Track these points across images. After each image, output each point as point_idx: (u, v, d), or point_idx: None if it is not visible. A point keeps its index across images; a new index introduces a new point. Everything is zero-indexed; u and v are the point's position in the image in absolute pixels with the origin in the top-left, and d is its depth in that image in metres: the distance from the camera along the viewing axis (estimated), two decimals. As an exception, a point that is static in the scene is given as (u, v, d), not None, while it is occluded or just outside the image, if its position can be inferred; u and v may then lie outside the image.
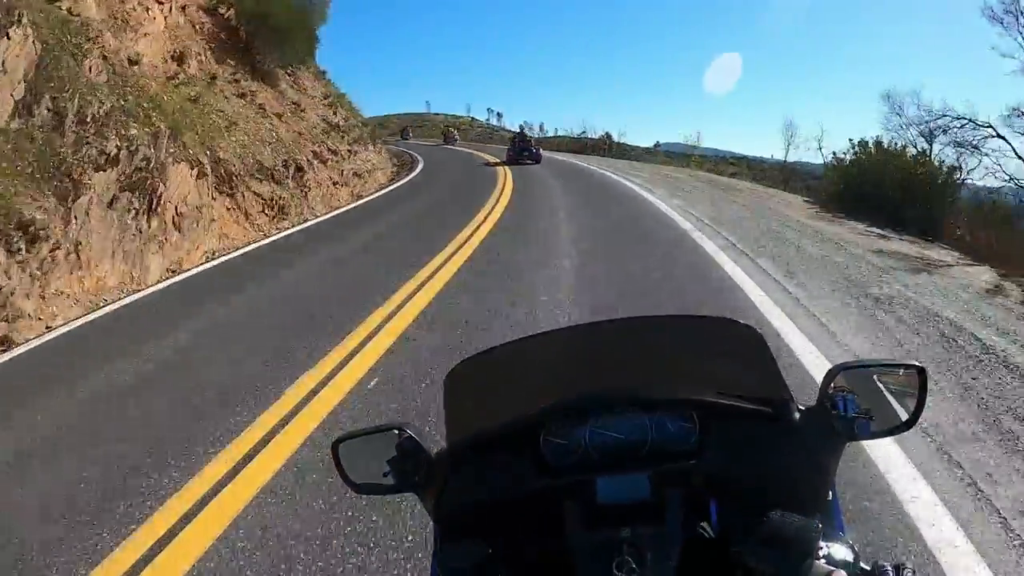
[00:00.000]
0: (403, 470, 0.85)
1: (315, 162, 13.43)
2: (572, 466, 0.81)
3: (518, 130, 23.87)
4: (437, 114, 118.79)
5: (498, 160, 21.23)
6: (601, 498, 0.78)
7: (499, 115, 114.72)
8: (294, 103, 14.98)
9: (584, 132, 51.97)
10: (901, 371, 0.85)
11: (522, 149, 20.55)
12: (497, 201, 11.36)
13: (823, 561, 0.65)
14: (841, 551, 0.68)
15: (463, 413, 0.92)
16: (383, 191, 15.42)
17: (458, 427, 0.90)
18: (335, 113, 17.33)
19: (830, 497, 0.82)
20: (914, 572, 0.64)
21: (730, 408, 0.81)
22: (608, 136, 46.24)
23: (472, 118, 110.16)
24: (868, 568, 0.66)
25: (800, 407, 0.83)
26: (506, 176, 15.98)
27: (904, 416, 0.81)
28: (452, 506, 0.83)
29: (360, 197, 14.51)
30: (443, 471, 0.84)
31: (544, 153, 22.29)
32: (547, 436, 0.82)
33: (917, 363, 0.82)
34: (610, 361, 0.94)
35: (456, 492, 0.83)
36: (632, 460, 0.80)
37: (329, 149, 14.69)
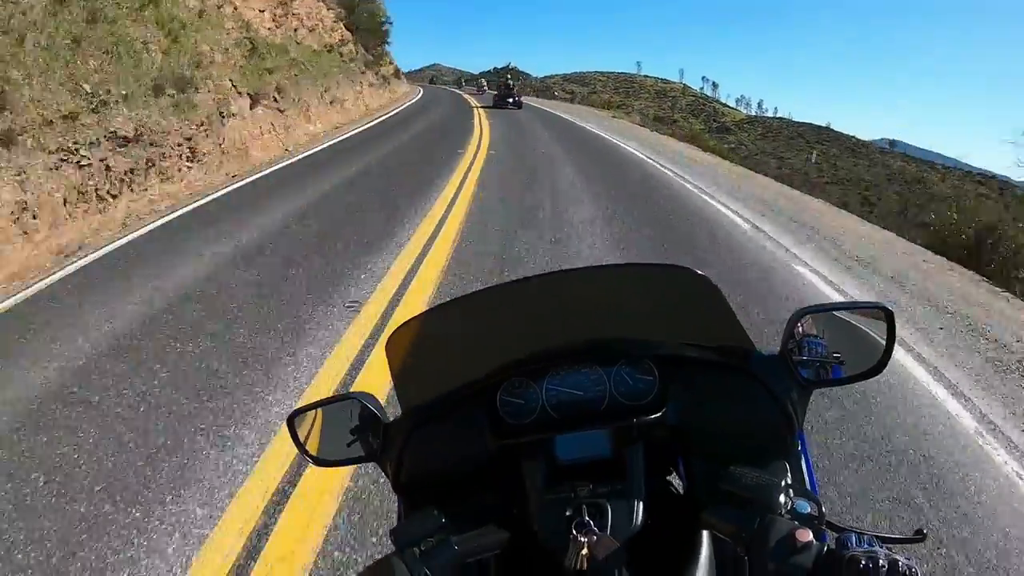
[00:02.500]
0: (357, 440, 0.86)
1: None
2: (530, 426, 0.81)
3: (505, 79, 27.51)
4: (647, 77, 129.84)
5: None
6: (561, 457, 0.78)
7: (714, 85, 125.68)
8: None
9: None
10: (865, 312, 0.84)
11: (505, 96, 24.59)
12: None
13: (788, 516, 0.63)
14: (806, 506, 0.67)
15: (412, 378, 0.90)
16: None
17: (409, 393, 0.89)
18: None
19: (799, 447, 0.81)
20: (875, 539, 0.60)
21: (691, 359, 0.81)
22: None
23: (684, 85, 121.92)
24: (834, 522, 0.63)
25: (763, 354, 0.82)
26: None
27: (873, 359, 0.78)
28: (410, 475, 0.83)
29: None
30: (398, 440, 0.83)
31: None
32: (503, 396, 0.83)
33: (884, 305, 0.80)
34: (563, 314, 0.91)
35: (413, 461, 0.82)
36: (591, 417, 0.80)
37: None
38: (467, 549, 0.66)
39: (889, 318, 0.78)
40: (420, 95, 30.57)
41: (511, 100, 24.17)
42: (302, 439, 0.87)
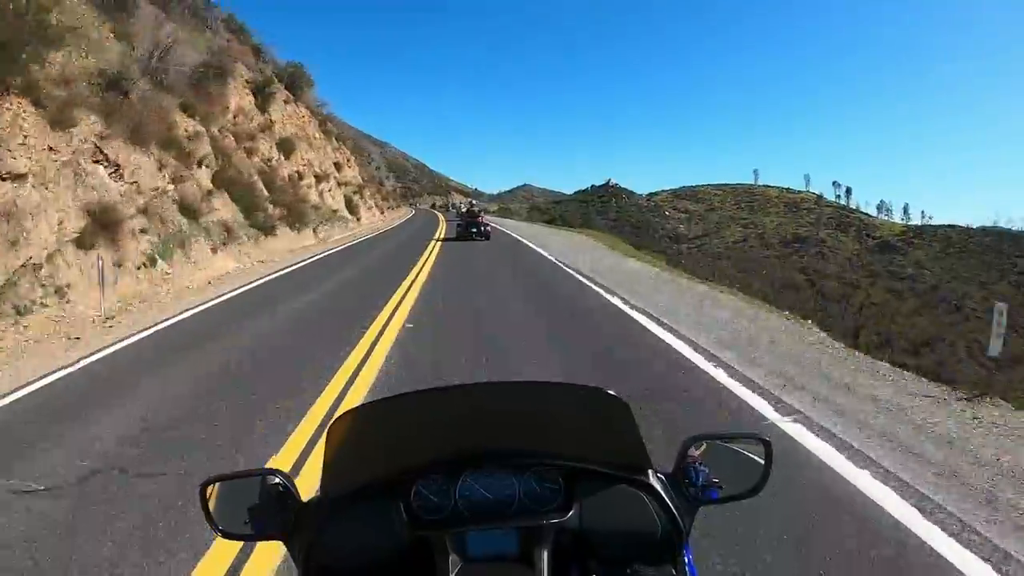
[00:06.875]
0: (268, 516, 0.88)
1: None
2: (443, 520, 0.88)
3: (469, 207, 24.10)
4: (768, 186, 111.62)
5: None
6: (471, 552, 0.85)
7: (848, 191, 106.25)
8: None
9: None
10: (749, 441, 0.96)
11: (470, 225, 21.25)
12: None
13: None
14: None
15: (341, 463, 0.95)
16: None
17: (334, 476, 0.93)
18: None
19: (685, 558, 0.91)
20: None
21: (593, 471, 0.91)
22: None
23: (819, 195, 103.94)
24: None
25: (660, 474, 0.94)
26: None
27: (752, 482, 0.92)
28: (322, 560, 0.85)
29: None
30: (316, 520, 0.86)
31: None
32: (420, 490, 0.90)
33: (763, 436, 0.93)
34: (486, 422, 1.00)
35: (327, 545, 0.85)
36: (501, 517, 0.89)
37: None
38: None
39: (767, 447, 0.93)
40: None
41: (475, 230, 21.02)
42: (212, 507, 0.89)
